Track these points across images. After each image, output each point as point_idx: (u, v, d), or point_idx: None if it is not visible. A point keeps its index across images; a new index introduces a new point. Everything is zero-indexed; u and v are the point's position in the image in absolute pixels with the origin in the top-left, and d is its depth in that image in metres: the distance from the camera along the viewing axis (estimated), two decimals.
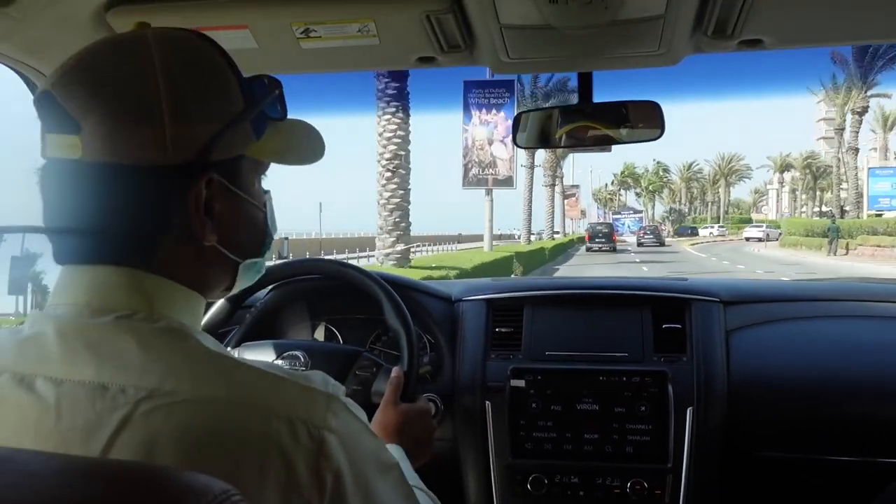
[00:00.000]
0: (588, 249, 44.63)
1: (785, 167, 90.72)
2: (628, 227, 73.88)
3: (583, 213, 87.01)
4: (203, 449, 0.65)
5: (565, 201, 56.79)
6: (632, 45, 1.39)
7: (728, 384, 1.76)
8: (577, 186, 67.60)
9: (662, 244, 51.65)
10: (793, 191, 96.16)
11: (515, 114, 1.70)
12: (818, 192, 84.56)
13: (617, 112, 1.63)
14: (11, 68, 1.38)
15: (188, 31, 0.81)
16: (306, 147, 0.90)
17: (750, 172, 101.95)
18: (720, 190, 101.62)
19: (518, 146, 1.75)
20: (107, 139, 0.71)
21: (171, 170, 0.73)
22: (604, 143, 1.71)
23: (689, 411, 1.73)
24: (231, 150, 0.78)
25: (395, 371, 1.38)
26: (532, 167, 37.62)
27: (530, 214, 36.05)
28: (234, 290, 0.88)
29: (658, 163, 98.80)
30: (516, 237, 53.80)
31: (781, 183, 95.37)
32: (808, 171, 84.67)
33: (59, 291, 0.75)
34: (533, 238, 45.10)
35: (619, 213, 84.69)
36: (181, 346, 0.72)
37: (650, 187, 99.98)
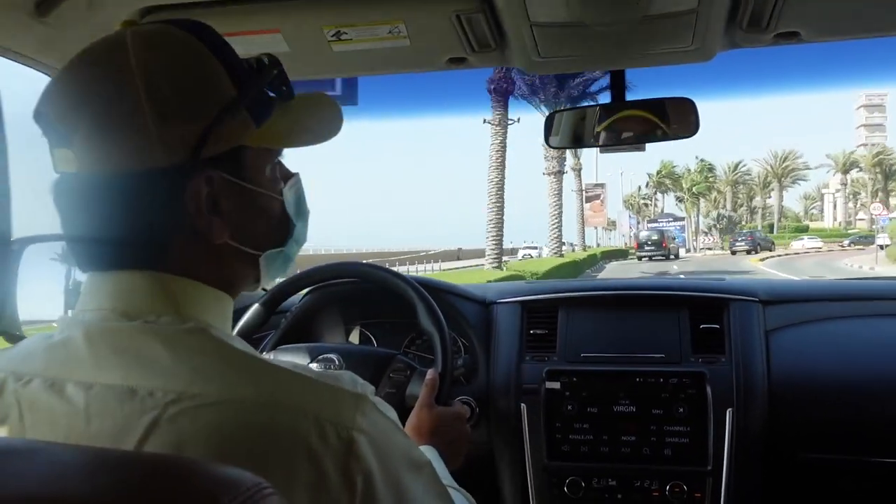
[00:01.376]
0: (639, 258, 42.74)
1: (849, 166, 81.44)
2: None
3: (611, 223, 74.77)
4: (231, 450, 0.65)
5: (586, 205, 46.39)
6: (664, 41, 1.37)
7: (768, 385, 1.73)
8: (601, 185, 53.25)
9: (669, 257, 44.55)
10: (854, 194, 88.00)
11: (547, 114, 1.68)
12: (888, 195, 74.69)
13: (651, 110, 1.61)
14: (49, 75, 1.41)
15: (163, 24, 0.77)
16: (317, 124, 0.86)
17: (807, 174, 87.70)
18: (772, 193, 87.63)
19: (551, 146, 1.74)
20: (96, 150, 0.71)
21: (165, 172, 0.72)
22: (638, 143, 1.69)
23: (728, 413, 1.70)
24: (228, 142, 0.75)
25: (429, 373, 1.37)
26: (560, 172, 30.41)
27: (560, 227, 30.31)
28: (264, 283, 0.86)
29: (702, 161, 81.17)
30: (522, 253, 48.89)
31: (845, 185, 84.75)
32: (878, 169, 76.40)
33: (85, 298, 0.76)
34: (526, 255, 42.17)
35: (655, 220, 66.69)
36: (208, 348, 0.72)
37: (694, 188, 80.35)
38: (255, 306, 1.64)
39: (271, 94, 0.80)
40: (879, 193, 72.13)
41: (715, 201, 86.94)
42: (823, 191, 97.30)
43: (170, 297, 0.74)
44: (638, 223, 72.64)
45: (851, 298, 1.99)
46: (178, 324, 0.73)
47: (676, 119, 1.60)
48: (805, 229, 72.77)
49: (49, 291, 1.67)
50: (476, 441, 1.82)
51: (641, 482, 1.73)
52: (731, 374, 1.74)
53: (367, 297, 1.89)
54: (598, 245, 65.30)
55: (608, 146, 1.66)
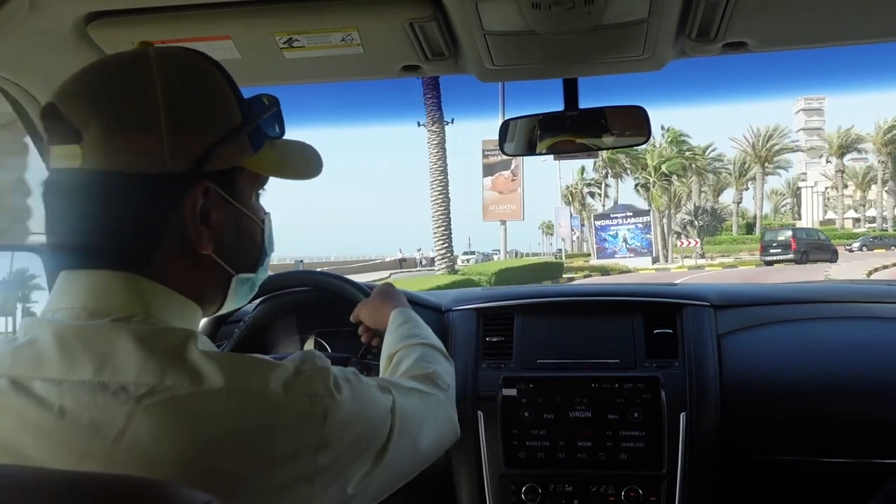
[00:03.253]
0: (767, 263, 31.95)
1: (845, 148, 59.71)
2: (625, 239, 40.56)
3: (547, 225, 63.55)
4: (208, 438, 0.68)
5: (486, 181, 30.20)
6: (616, 50, 1.39)
7: (720, 388, 1.76)
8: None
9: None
10: (867, 180, 64.70)
11: (502, 122, 1.69)
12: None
13: (601, 118, 1.63)
14: None
15: (188, 49, 0.84)
16: (302, 163, 0.93)
17: (790, 160, 63.70)
18: (750, 184, 63.66)
19: (506, 154, 1.75)
20: (106, 148, 0.74)
21: (169, 178, 0.77)
22: (590, 150, 1.71)
23: (682, 416, 1.72)
24: (227, 161, 0.81)
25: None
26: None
27: (447, 220, 21.20)
28: (225, 309, 0.91)
29: (670, 129, 52.96)
30: (421, 263, 42.84)
31: (842, 171, 62.03)
32: (888, 149, 55.10)
33: (56, 297, 0.78)
34: (463, 261, 36.80)
35: (606, 216, 43.52)
36: (178, 345, 0.74)
37: (664, 167, 51.92)
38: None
39: (267, 129, 0.87)
40: (889, 182, 56.55)
41: (677, 195, 56.94)
42: (801, 184, 75.45)
43: (141, 299, 0.77)
44: (582, 224, 52.92)
45: (801, 301, 2.03)
46: (147, 324, 0.75)
47: (628, 126, 1.62)
48: (790, 228, 49.89)
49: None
50: None
51: (598, 487, 1.74)
52: (685, 378, 1.76)
53: (322, 305, 1.87)
54: (524, 255, 53.26)
55: (562, 153, 1.68)
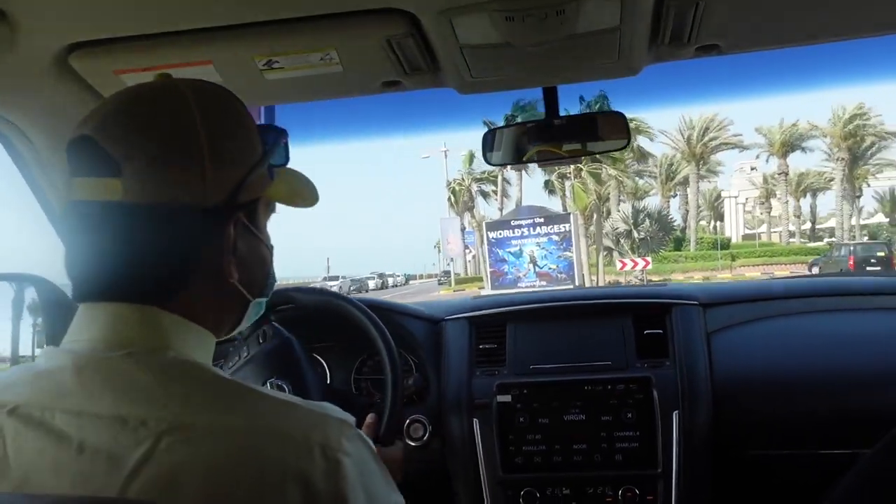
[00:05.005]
0: None
1: (790, 146, 47.61)
2: (533, 259, 25.92)
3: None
4: (225, 478, 0.68)
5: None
6: (591, 58, 1.41)
7: (712, 385, 1.78)
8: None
9: None
10: (767, 195, 56.76)
11: (485, 132, 1.70)
12: (854, 183, 45.48)
13: (584, 125, 1.65)
14: None
15: (211, 82, 0.86)
16: (307, 191, 0.96)
17: (738, 147, 47.84)
18: (677, 189, 51.35)
19: (490, 164, 1.77)
20: (149, 181, 0.74)
21: (208, 211, 0.77)
22: (573, 156, 1.73)
23: (674, 415, 1.74)
24: (254, 192, 0.84)
25: (369, 418, 1.43)
26: None
27: None
28: (242, 328, 0.92)
29: (602, 95, 23.05)
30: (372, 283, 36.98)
31: (784, 174, 49.49)
32: (847, 143, 43.45)
33: (76, 328, 0.78)
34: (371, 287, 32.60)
35: (503, 223, 27.41)
36: (197, 378, 0.75)
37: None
38: None
39: (275, 159, 0.89)
40: (843, 183, 44.81)
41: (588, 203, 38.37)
42: (725, 193, 63.85)
43: (160, 332, 0.77)
44: (487, 240, 27.37)
45: (789, 297, 2.05)
46: (165, 356, 0.75)
47: (609, 132, 1.65)
48: (727, 244, 45.93)
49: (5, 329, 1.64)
50: (430, 458, 1.82)
51: (595, 489, 1.75)
52: (676, 377, 1.78)
53: (317, 321, 1.89)
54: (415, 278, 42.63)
55: (545, 161, 1.70)
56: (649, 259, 30.38)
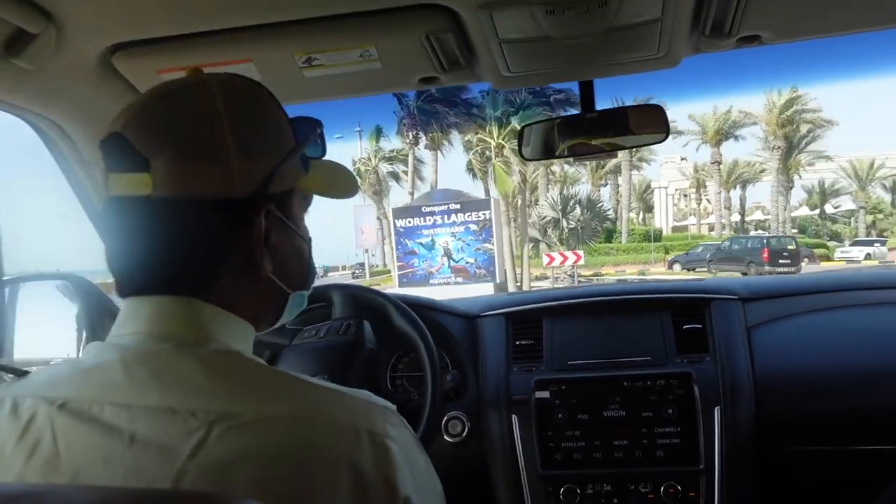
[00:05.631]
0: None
1: (724, 133, 45.21)
2: (447, 251, 21.14)
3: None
4: (276, 466, 0.68)
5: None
6: (631, 51, 1.40)
7: (753, 381, 1.76)
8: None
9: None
10: (699, 184, 54.46)
11: (520, 127, 1.70)
12: (789, 173, 43.45)
13: (620, 118, 1.64)
14: (24, 119, 1.41)
15: (241, 76, 0.86)
16: (345, 182, 0.96)
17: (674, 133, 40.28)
18: (608, 178, 49.87)
19: (525, 159, 1.76)
20: (176, 175, 0.75)
21: (236, 202, 0.78)
22: (610, 151, 1.72)
23: (716, 411, 1.72)
24: (285, 183, 0.84)
25: None
26: None
27: None
28: (283, 321, 0.92)
29: None
30: None
31: (717, 163, 47.13)
32: (786, 129, 41.30)
33: (122, 322, 0.79)
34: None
35: (414, 210, 21.85)
36: (242, 368, 0.76)
37: (520, 120, 24.97)
38: None
39: (310, 151, 0.90)
40: (778, 174, 42.35)
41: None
42: (655, 184, 58.98)
43: (202, 323, 0.78)
44: (394, 229, 22.17)
45: (829, 290, 2.02)
46: (209, 347, 0.76)
47: (646, 125, 1.63)
48: (659, 236, 42.87)
49: (45, 330, 1.66)
50: (469, 455, 1.82)
51: (636, 485, 1.74)
52: (717, 373, 1.76)
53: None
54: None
55: (580, 156, 1.69)
56: (581, 253, 25.27)
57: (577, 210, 29.71)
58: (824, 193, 51.77)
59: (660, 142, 1.67)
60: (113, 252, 0.81)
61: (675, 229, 56.20)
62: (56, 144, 1.49)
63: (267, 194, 0.80)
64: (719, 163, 47.69)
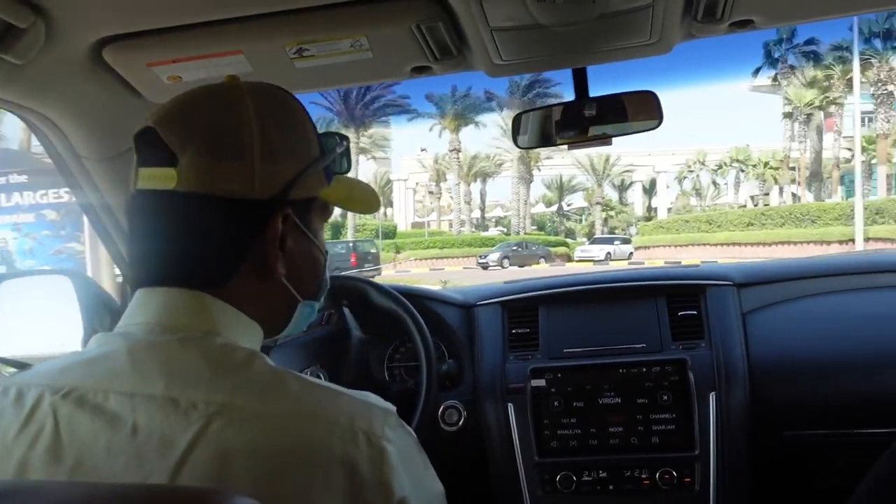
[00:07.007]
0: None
1: (464, 118, 41.92)
2: None
3: None
4: (273, 461, 0.69)
5: None
6: (623, 37, 1.39)
7: (748, 366, 1.76)
8: None
9: None
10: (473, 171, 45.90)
11: (515, 115, 1.70)
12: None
13: (614, 106, 1.63)
14: (15, 113, 1.40)
15: (274, 85, 0.90)
16: (366, 198, 1.00)
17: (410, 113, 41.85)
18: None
19: (519, 147, 1.76)
20: (201, 172, 0.78)
21: (256, 203, 0.80)
22: (605, 138, 1.71)
23: (711, 396, 1.73)
24: (307, 190, 0.86)
25: None
26: None
27: None
28: (290, 330, 0.93)
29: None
30: None
31: (457, 153, 43.52)
32: None
33: (132, 312, 0.81)
34: None
35: None
36: (246, 364, 0.76)
37: None
38: None
39: (336, 164, 0.94)
40: (519, 164, 41.42)
41: None
42: (394, 177, 56.12)
43: (210, 317, 0.79)
44: None
45: (823, 275, 2.02)
46: (215, 341, 0.77)
47: (640, 111, 1.62)
48: (394, 233, 41.02)
49: (28, 328, 1.66)
50: (465, 443, 1.83)
51: (632, 471, 1.75)
52: (712, 359, 1.77)
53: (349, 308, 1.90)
54: None
55: (575, 142, 1.68)
56: None
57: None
58: (562, 189, 51.63)
59: (654, 128, 1.66)
60: (134, 244, 0.84)
61: (415, 225, 54.53)
62: (48, 139, 1.48)
63: (287, 199, 0.82)
64: (458, 150, 43.54)
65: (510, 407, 1.81)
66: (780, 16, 1.37)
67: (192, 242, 0.80)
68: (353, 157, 1.00)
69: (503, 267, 32.06)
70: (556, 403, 1.79)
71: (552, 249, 36.87)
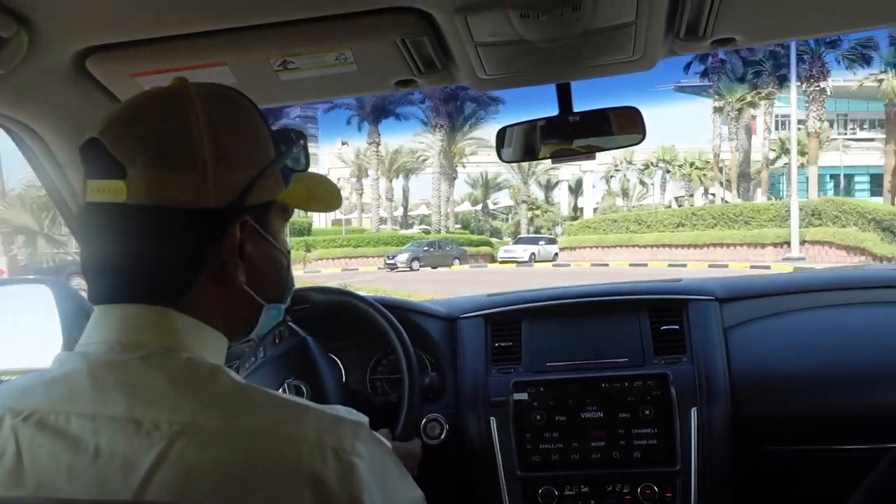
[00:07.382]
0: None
1: (382, 109, 38.41)
2: None
3: None
4: (238, 480, 0.68)
5: None
6: (607, 53, 1.40)
7: (730, 381, 1.77)
8: None
9: None
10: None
11: (499, 128, 1.71)
12: None
13: (598, 120, 1.64)
14: None
15: (224, 86, 0.86)
16: (327, 196, 0.97)
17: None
18: None
19: (503, 161, 1.76)
20: (152, 184, 0.75)
21: (211, 212, 0.77)
22: (588, 153, 1.72)
23: (693, 411, 1.73)
24: (264, 195, 0.83)
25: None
26: None
27: None
28: (256, 333, 0.91)
29: None
30: None
31: (376, 145, 40.70)
32: (453, 105, 38.22)
33: (91, 331, 0.79)
34: None
35: None
36: (210, 381, 0.75)
37: None
38: None
39: (293, 163, 0.91)
40: (441, 158, 40.41)
41: None
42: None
43: (173, 333, 0.77)
44: None
45: (805, 290, 2.04)
46: (180, 357, 0.76)
47: (623, 127, 1.64)
48: (308, 230, 38.07)
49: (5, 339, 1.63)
50: (447, 456, 1.82)
51: (613, 486, 1.75)
52: (693, 373, 1.77)
53: (331, 320, 1.89)
54: None
55: (559, 157, 1.69)
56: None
57: None
58: (487, 187, 50.93)
59: (637, 143, 1.68)
60: (87, 257, 0.80)
61: (334, 222, 51.52)
62: (29, 147, 1.47)
63: (244, 206, 0.80)
64: (377, 143, 41.32)
65: (492, 420, 1.81)
66: (761, 35, 1.39)
67: (147, 256, 0.77)
68: None
69: (412, 269, 29.14)
70: (538, 417, 1.79)
71: (475, 249, 34.61)
